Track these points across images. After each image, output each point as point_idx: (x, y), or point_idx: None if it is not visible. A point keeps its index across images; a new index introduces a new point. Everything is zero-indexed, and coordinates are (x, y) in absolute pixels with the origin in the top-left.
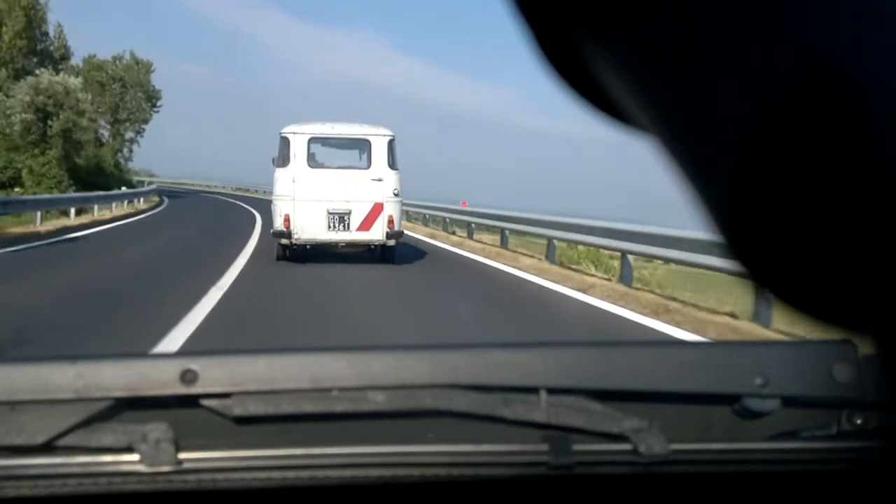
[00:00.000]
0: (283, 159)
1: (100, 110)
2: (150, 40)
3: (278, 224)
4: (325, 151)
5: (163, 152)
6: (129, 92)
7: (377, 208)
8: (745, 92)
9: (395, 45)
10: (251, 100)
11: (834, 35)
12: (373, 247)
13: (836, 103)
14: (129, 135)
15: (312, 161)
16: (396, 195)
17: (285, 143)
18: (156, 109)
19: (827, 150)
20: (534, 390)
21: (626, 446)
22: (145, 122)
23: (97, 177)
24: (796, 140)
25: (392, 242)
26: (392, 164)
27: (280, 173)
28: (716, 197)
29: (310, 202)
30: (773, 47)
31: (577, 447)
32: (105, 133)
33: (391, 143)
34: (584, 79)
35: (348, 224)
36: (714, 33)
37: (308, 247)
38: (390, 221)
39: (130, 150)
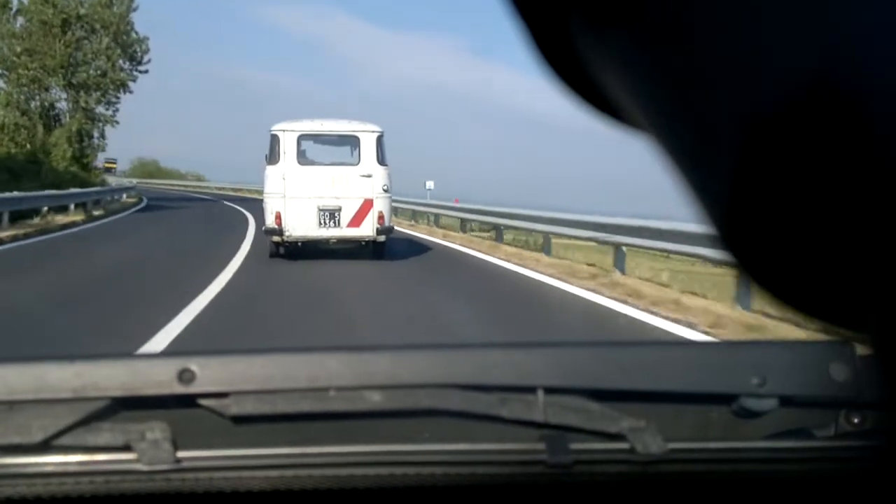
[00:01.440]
0: (273, 156)
1: (44, 66)
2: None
3: (270, 221)
4: (315, 148)
5: (232, 160)
6: (93, 41)
7: (367, 204)
8: (746, 91)
9: (469, 48)
10: (324, 105)
11: (834, 35)
12: (364, 243)
13: (837, 103)
14: (99, 109)
15: (302, 158)
16: (386, 191)
17: (275, 140)
18: (141, 69)
19: (827, 150)
20: (531, 390)
21: (624, 445)
22: (123, 86)
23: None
24: (797, 140)
25: (382, 238)
26: (381, 160)
27: (270, 170)
28: (715, 196)
29: (300, 199)
30: (774, 47)
31: (575, 446)
32: (63, 106)
33: (380, 139)
34: (581, 78)
35: (339, 220)
36: (714, 33)
37: (299, 244)
38: (380, 217)
39: (102, 135)
